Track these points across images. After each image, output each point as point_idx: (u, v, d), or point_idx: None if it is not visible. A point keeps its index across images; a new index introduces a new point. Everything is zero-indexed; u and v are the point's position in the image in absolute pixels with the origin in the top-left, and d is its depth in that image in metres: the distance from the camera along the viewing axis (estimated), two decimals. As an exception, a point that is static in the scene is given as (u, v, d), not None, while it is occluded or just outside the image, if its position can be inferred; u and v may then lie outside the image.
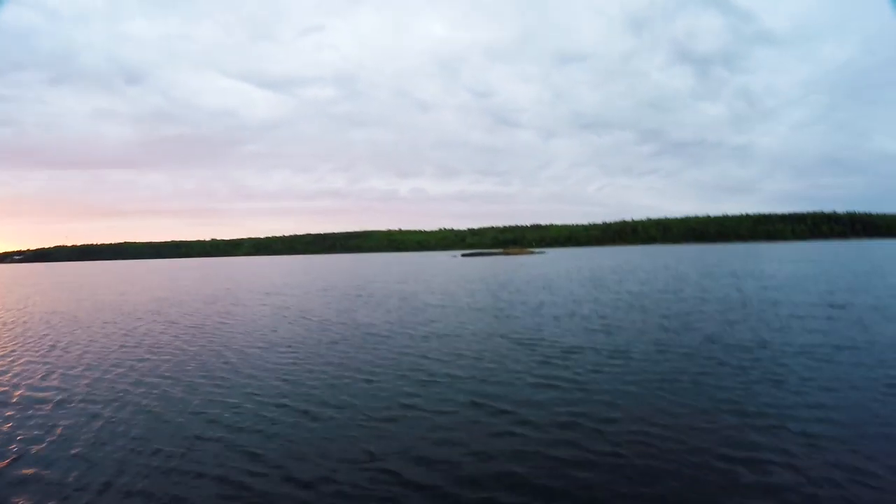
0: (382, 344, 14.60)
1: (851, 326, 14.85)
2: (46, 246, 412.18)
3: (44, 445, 7.77)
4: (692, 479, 6.02)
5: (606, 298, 24.48)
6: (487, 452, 6.93)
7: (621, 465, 6.43)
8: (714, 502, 5.58)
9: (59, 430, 8.43)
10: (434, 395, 9.61)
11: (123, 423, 8.67)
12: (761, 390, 9.16)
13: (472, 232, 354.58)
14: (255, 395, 10.05)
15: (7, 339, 18.11)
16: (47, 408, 9.70)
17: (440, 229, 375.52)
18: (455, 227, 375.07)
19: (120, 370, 12.59)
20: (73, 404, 9.87)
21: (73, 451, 7.50)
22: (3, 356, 14.82)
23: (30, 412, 9.45)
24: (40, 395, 10.62)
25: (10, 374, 12.52)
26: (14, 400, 10.31)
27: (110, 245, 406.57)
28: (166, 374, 12.06)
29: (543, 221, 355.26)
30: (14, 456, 7.41)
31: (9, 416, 9.29)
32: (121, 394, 10.46)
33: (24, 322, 22.68)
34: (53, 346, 16.04)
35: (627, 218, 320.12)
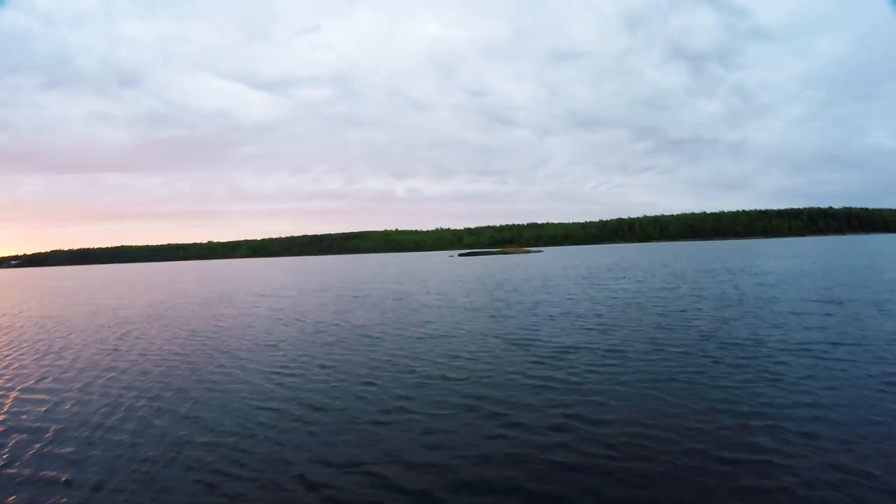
0: (377, 345, 14.48)
1: (848, 323, 14.78)
2: (43, 250, 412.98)
3: (37, 447, 7.86)
4: (688, 481, 5.92)
5: (602, 297, 24.41)
6: (480, 456, 6.80)
7: (616, 467, 6.31)
8: (709, 505, 5.49)
9: (51, 432, 8.48)
10: (427, 397, 9.48)
11: (114, 427, 8.65)
12: (758, 389, 9.05)
13: (468, 231, 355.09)
14: (247, 398, 9.95)
15: (2, 343, 18.08)
16: (41, 409, 9.81)
17: (437, 229, 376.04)
18: (452, 227, 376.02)
19: (112, 374, 12.51)
20: (65, 407, 9.92)
21: (65, 453, 7.55)
22: None
23: (23, 415, 9.54)
24: (34, 397, 10.74)
25: (4, 378, 12.57)
26: (8, 403, 10.39)
27: (107, 249, 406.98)
28: (158, 378, 11.97)
29: (540, 220, 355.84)
30: (7, 457, 7.50)
31: (2, 418, 9.33)
32: (113, 397, 10.43)
33: (20, 326, 22.61)
34: (48, 351, 16.00)
35: (624, 216, 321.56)
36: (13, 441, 8.14)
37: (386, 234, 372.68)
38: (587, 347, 12.99)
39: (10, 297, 44.14)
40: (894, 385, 8.94)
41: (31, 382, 12.01)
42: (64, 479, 6.67)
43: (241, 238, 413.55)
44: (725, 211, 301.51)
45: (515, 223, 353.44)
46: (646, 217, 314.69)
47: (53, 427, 8.73)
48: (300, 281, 49.66)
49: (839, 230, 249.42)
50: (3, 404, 10.28)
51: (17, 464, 7.24)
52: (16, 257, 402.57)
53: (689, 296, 23.22)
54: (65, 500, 6.13)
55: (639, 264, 54.31)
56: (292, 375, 11.54)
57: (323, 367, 12.21)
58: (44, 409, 9.85)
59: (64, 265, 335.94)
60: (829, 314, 16.37)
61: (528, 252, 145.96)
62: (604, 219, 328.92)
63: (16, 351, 16.27)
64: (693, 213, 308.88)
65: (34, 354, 15.51)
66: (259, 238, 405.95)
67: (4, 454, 7.61)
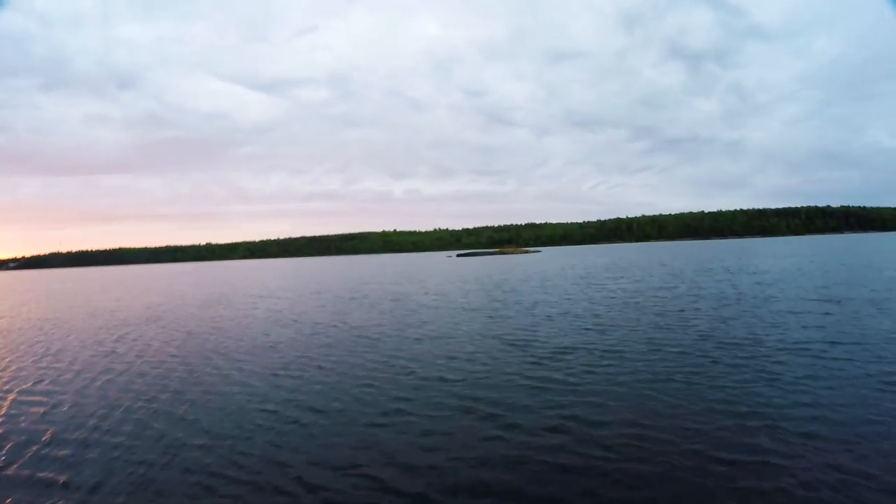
0: (374, 347, 14.44)
1: (846, 322, 14.76)
2: (42, 253, 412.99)
3: (34, 449, 7.91)
4: (686, 482, 5.89)
5: (600, 297, 24.39)
6: (477, 458, 6.77)
7: (613, 469, 6.28)
8: (707, 506, 5.47)
9: (48, 434, 8.51)
10: (425, 398, 9.44)
11: (111, 429, 8.64)
12: (756, 389, 9.03)
13: (467, 232, 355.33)
14: (244, 400, 9.92)
15: (1, 345, 18.09)
16: (38, 411, 9.87)
17: (436, 229, 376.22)
18: (451, 227, 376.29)
19: (110, 376, 12.50)
20: (63, 409, 9.95)
21: (62, 455, 7.58)
22: None
23: (21, 417, 9.57)
24: (32, 399, 10.81)
25: (2, 380, 12.60)
26: (6, 405, 10.41)
27: (105, 251, 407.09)
28: (155, 380, 11.95)
29: (539, 220, 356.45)
30: (5, 459, 7.53)
31: (0, 419, 9.40)
32: (110, 400, 10.42)
33: (18, 329, 22.60)
34: (45, 353, 16.00)
35: (622, 215, 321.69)
36: (11, 443, 8.16)
37: (385, 234, 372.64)
38: (585, 348, 12.96)
39: (9, 300, 44.04)
40: (893, 384, 8.92)
41: (28, 384, 12.01)
42: (61, 481, 6.69)
43: (240, 240, 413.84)
44: (723, 210, 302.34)
45: (514, 223, 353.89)
46: (644, 217, 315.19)
47: (51, 429, 8.73)
48: (298, 282, 49.58)
49: (837, 229, 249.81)
50: (1, 407, 10.29)
51: (15, 466, 7.27)
52: (14, 259, 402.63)
53: (687, 295, 23.20)
54: (62, 502, 6.13)
55: (637, 264, 54.31)
56: (290, 377, 11.50)
57: (320, 368, 12.18)
58: (41, 410, 9.91)
59: (62, 267, 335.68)
60: (827, 313, 16.35)
61: (527, 252, 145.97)
62: (602, 218, 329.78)
63: (14, 353, 16.25)
64: (691, 213, 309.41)
65: (32, 357, 15.49)
66: (258, 239, 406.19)
67: (2, 456, 7.63)
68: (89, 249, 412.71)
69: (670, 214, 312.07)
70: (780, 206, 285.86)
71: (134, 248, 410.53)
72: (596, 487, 5.89)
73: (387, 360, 12.65)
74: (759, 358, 11.12)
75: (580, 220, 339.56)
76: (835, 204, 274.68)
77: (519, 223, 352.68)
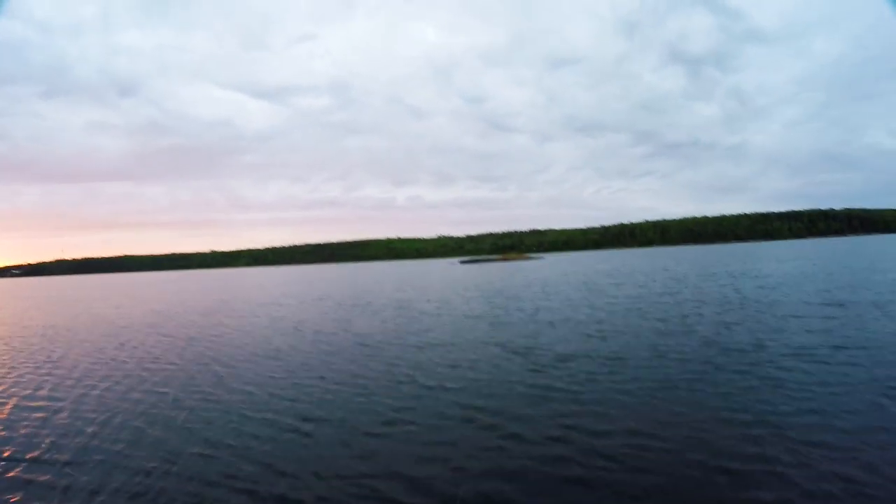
0: (376, 355, 14.35)
1: (851, 325, 14.65)
2: (45, 260, 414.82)
3: (32, 455, 7.99)
4: (688, 494, 5.80)
5: (603, 303, 24.30)
6: (477, 469, 6.69)
7: (614, 480, 6.18)
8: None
9: (47, 442, 8.54)
10: (425, 408, 9.36)
11: (109, 437, 8.65)
12: (760, 396, 8.93)
13: (470, 239, 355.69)
14: (242, 408, 9.88)
15: (2, 352, 18.24)
16: (38, 417, 10.00)
17: (438, 237, 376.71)
18: (453, 234, 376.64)
19: (109, 384, 12.56)
20: (62, 415, 10.05)
21: (59, 463, 7.61)
22: None
23: (20, 424, 9.65)
24: (32, 404, 10.99)
25: (3, 386, 12.74)
26: (6, 412, 10.51)
27: (108, 258, 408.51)
28: (154, 387, 11.97)
29: (541, 226, 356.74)
30: (3, 465, 7.58)
31: (0, 426, 9.46)
32: (109, 408, 10.44)
33: (20, 336, 22.73)
34: (46, 360, 16.12)
35: (625, 221, 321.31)
36: (11, 449, 8.25)
37: (388, 242, 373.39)
38: (587, 355, 12.86)
39: (12, 307, 44.34)
40: (898, 390, 8.84)
41: (29, 391, 12.15)
42: (60, 486, 6.74)
43: (243, 247, 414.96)
44: (726, 214, 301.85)
45: (516, 230, 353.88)
46: (647, 222, 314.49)
47: (50, 435, 8.81)
48: (301, 290, 49.57)
49: (840, 231, 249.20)
50: (1, 413, 10.39)
51: (15, 471, 7.35)
52: (17, 267, 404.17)
53: (690, 301, 23.09)
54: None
55: (640, 269, 54.21)
56: (290, 385, 11.44)
57: (321, 377, 12.10)
58: (42, 416, 10.07)
59: (65, 275, 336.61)
60: (831, 317, 16.25)
61: (530, 258, 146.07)
62: (605, 224, 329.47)
63: (16, 360, 16.43)
64: (694, 217, 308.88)
65: (34, 363, 15.64)
66: (261, 247, 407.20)
67: (2, 462, 7.72)
68: (93, 257, 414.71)
69: (673, 219, 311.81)
70: (783, 209, 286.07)
71: (136, 256, 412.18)
72: (598, 500, 5.81)
73: (388, 369, 12.58)
74: (763, 364, 11.02)
75: (583, 226, 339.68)
76: (837, 206, 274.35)
77: (521, 230, 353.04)
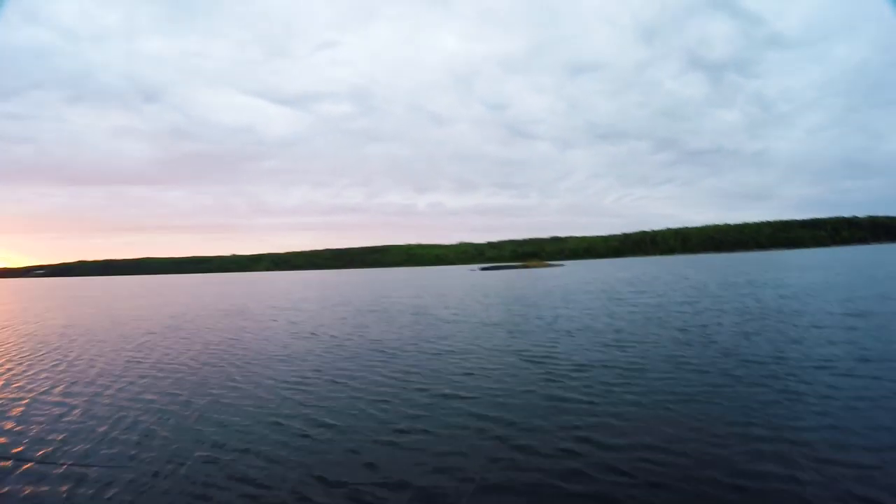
0: (390, 361, 14.34)
1: (874, 337, 14.34)
2: (68, 261, 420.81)
3: (45, 451, 8.18)
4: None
5: (622, 311, 24.09)
6: (487, 481, 6.62)
7: (628, 497, 6.07)
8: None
9: (59, 439, 8.73)
10: (437, 417, 9.31)
11: (118, 436, 8.81)
12: (778, 411, 8.75)
13: (490, 245, 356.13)
14: (252, 412, 9.97)
15: (22, 350, 18.71)
16: (53, 413, 10.34)
17: (459, 243, 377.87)
18: (474, 241, 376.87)
19: (122, 383, 12.81)
20: (75, 413, 10.32)
21: (67, 461, 7.74)
22: (16, 366, 15.50)
23: (35, 420, 9.93)
24: (48, 400, 11.43)
25: (22, 382, 13.19)
26: (21, 408, 10.77)
27: (130, 260, 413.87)
28: (167, 388, 12.14)
29: (562, 233, 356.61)
30: (12, 463, 7.72)
31: (12, 426, 9.59)
32: (122, 407, 10.62)
33: (43, 334, 23.21)
34: (65, 358, 16.52)
35: (646, 228, 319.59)
36: (21, 447, 8.39)
37: (408, 248, 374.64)
38: (604, 365, 12.73)
39: (35, 306, 45.13)
40: (922, 406, 8.63)
41: (44, 389, 12.46)
42: (68, 485, 6.82)
43: (264, 251, 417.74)
44: (748, 222, 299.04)
45: (537, 237, 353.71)
46: (668, 230, 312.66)
47: (61, 435, 8.96)
48: (321, 294, 49.81)
49: (864, 240, 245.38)
50: (16, 410, 10.65)
51: (25, 466, 7.54)
52: (42, 267, 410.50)
53: (709, 310, 22.79)
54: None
55: (660, 278, 53.72)
56: (302, 391, 11.48)
57: (334, 382, 12.13)
58: (56, 413, 10.33)
59: (88, 275, 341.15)
60: (853, 328, 15.94)
61: (550, 266, 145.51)
62: (626, 231, 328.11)
63: (34, 358, 16.80)
64: (716, 225, 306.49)
65: (52, 361, 16.03)
66: (282, 251, 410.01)
67: (10, 459, 7.85)
68: (115, 258, 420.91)
69: (694, 227, 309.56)
70: (805, 216, 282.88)
71: (159, 258, 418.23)
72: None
73: (402, 376, 12.55)
74: (783, 376, 10.82)
75: (603, 234, 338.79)
76: (860, 213, 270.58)
77: (542, 237, 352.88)
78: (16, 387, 12.70)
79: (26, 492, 6.66)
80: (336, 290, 56.46)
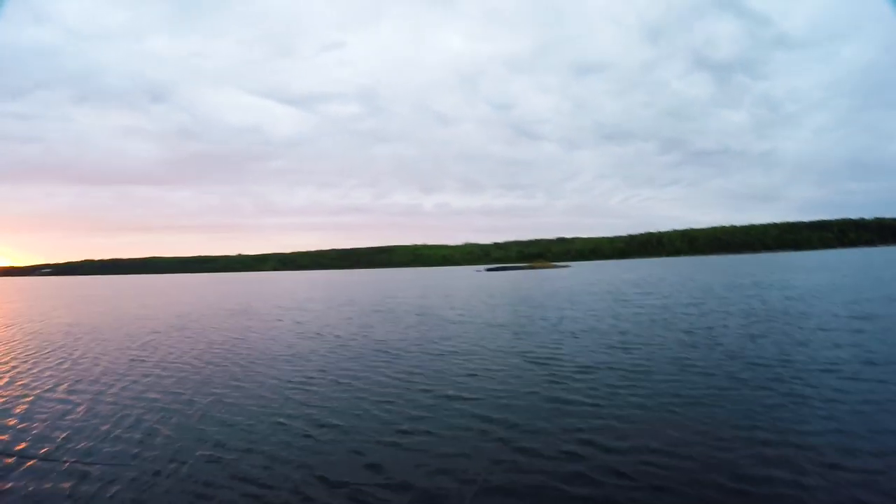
0: (394, 362, 14.33)
1: (880, 340, 14.23)
2: (74, 259, 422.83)
3: (47, 449, 8.19)
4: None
5: (627, 313, 24.01)
6: (489, 483, 6.59)
7: (631, 500, 6.04)
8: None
9: (61, 437, 8.73)
10: (439, 418, 9.28)
11: (120, 435, 8.80)
12: (783, 415, 8.69)
13: (496, 246, 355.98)
14: (255, 411, 9.95)
15: (27, 348, 18.77)
16: (56, 411, 10.37)
17: (465, 244, 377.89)
18: (480, 242, 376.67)
19: (126, 382, 12.83)
20: (78, 411, 10.31)
21: (69, 459, 7.74)
22: (21, 364, 15.52)
23: (38, 417, 9.93)
24: (51, 397, 11.49)
25: (24, 381, 13.17)
26: (25, 405, 10.83)
27: (136, 259, 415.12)
28: (170, 387, 12.15)
29: (568, 234, 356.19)
30: (14, 460, 7.72)
31: (14, 423, 9.62)
32: (125, 406, 10.61)
33: (46, 332, 23.28)
34: (69, 357, 16.57)
35: (652, 229, 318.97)
36: (23, 444, 8.40)
37: (414, 248, 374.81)
38: (609, 367, 12.68)
39: (41, 304, 45.32)
40: (930, 411, 8.55)
41: (48, 386, 12.47)
42: (70, 483, 6.83)
43: (270, 251, 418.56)
44: (755, 224, 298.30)
45: (543, 237, 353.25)
46: (674, 231, 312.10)
47: (64, 433, 8.94)
48: (326, 294, 49.88)
49: (871, 242, 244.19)
50: (20, 407, 10.69)
51: (27, 464, 7.53)
52: (48, 266, 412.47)
53: (715, 312, 22.70)
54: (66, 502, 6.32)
55: (666, 279, 53.57)
56: (305, 390, 11.48)
57: (338, 382, 12.12)
58: (59, 410, 10.36)
59: (95, 274, 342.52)
60: (860, 330, 15.84)
61: (556, 267, 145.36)
62: (632, 233, 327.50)
63: (39, 356, 16.89)
64: (722, 227, 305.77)
65: (56, 359, 16.07)
66: (288, 251, 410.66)
67: (13, 456, 7.87)
68: (122, 258, 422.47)
69: (701, 228, 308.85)
70: (812, 218, 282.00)
71: (165, 258, 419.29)
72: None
73: (406, 376, 12.53)
74: (788, 379, 10.74)
75: (610, 235, 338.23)
76: (866, 214, 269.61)
77: (548, 237, 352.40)
78: (20, 384, 12.75)
79: (29, 488, 6.67)
80: (342, 291, 56.52)
